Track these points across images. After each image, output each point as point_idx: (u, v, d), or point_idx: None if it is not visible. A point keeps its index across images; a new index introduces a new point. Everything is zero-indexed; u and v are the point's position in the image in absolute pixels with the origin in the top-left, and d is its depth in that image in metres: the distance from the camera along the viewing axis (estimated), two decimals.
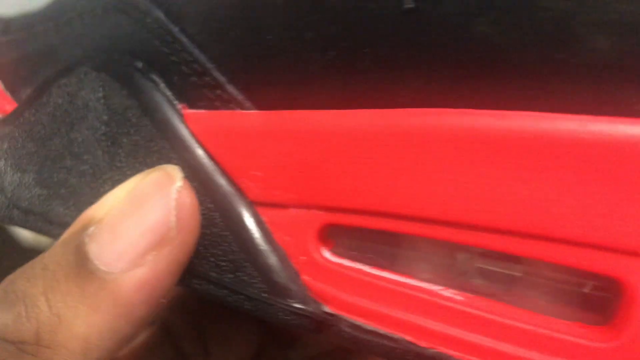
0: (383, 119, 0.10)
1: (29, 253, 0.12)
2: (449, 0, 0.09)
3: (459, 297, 0.10)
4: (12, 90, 0.15)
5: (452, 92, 0.10)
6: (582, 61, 0.09)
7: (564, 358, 0.09)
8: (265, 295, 0.11)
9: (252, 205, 0.11)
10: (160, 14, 0.12)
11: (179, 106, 0.12)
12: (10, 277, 0.11)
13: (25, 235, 0.35)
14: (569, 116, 0.09)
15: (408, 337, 0.10)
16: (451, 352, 0.10)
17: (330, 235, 0.11)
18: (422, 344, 0.10)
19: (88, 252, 0.11)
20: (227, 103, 0.11)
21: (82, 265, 0.11)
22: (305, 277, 0.11)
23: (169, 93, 0.12)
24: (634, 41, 0.08)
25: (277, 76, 0.11)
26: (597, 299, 0.10)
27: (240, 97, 0.11)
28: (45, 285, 0.11)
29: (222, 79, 0.11)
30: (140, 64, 0.12)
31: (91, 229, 0.11)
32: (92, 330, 0.10)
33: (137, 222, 0.11)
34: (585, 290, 0.10)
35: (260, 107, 0.11)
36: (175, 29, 0.12)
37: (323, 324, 0.11)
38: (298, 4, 0.10)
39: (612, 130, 0.08)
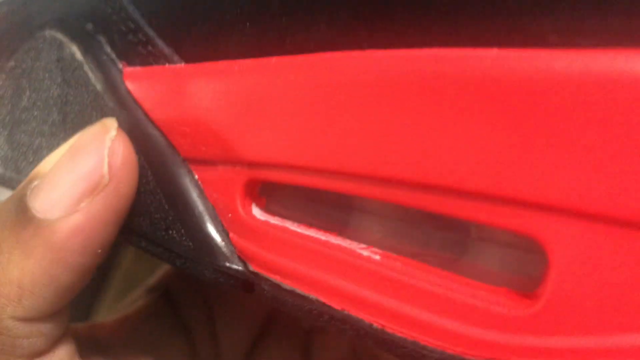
0: (290, 66, 0.09)
1: None
2: None
3: (376, 257, 0.09)
4: None
5: (359, 32, 0.09)
6: None
7: (476, 326, 0.08)
8: (193, 253, 0.11)
9: (185, 162, 0.11)
10: None
11: (120, 65, 0.12)
12: None
13: None
14: (472, 50, 0.08)
15: (322, 298, 0.09)
16: (362, 315, 0.09)
17: (263, 192, 0.11)
18: (335, 305, 0.09)
19: (27, 202, 0.11)
20: (158, 59, 0.11)
21: (20, 213, 0.11)
22: (232, 236, 0.11)
23: (111, 52, 0.12)
24: None
25: (197, 27, 0.11)
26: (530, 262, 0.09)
27: (168, 50, 0.11)
28: None
29: (151, 33, 0.11)
30: (90, 26, 0.12)
31: (35, 182, 0.11)
32: (26, 276, 0.11)
33: (71, 171, 0.11)
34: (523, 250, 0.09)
35: (187, 61, 0.11)
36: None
37: (248, 283, 0.11)
38: None
39: (522, 65, 0.07)
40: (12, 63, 0.14)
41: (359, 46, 0.09)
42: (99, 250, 0.11)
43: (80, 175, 0.11)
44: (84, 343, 0.13)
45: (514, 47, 0.07)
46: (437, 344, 0.08)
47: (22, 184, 0.12)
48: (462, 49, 0.08)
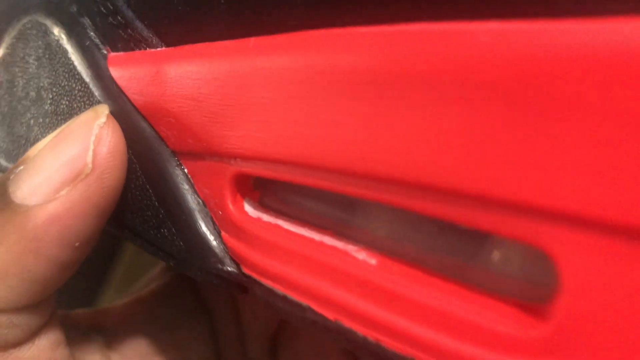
0: (269, 47, 0.08)
1: None
2: None
3: (372, 261, 0.08)
4: None
5: (342, 6, 0.07)
6: None
7: (479, 346, 0.07)
8: (184, 253, 0.10)
9: (174, 155, 0.10)
10: None
11: (104, 50, 0.11)
12: None
13: None
14: (472, 24, 0.06)
15: (314, 307, 0.09)
16: (356, 327, 0.08)
17: (257, 185, 0.10)
18: (328, 315, 0.08)
19: (8, 187, 0.11)
20: (139, 42, 0.10)
21: (1, 199, 0.10)
22: (224, 234, 0.10)
23: (95, 36, 0.11)
24: None
25: (175, 7, 0.09)
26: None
27: (147, 33, 0.10)
28: None
29: (130, 15, 0.10)
30: (74, 7, 0.12)
31: (20, 167, 0.11)
32: (4, 262, 0.10)
33: (54, 156, 0.10)
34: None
35: (167, 44, 0.10)
36: None
37: (242, 286, 0.10)
38: None
39: (529, 42, 0.06)
40: (2, 51, 0.13)
41: (342, 22, 0.07)
42: (77, 244, 0.10)
43: (62, 162, 0.10)
44: (86, 330, 0.13)
45: (519, 19, 0.06)
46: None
47: (7, 171, 0.11)
48: (459, 22, 0.06)
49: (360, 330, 0.08)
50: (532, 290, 0.07)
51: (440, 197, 0.07)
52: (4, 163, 0.14)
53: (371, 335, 0.08)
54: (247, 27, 0.09)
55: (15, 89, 0.13)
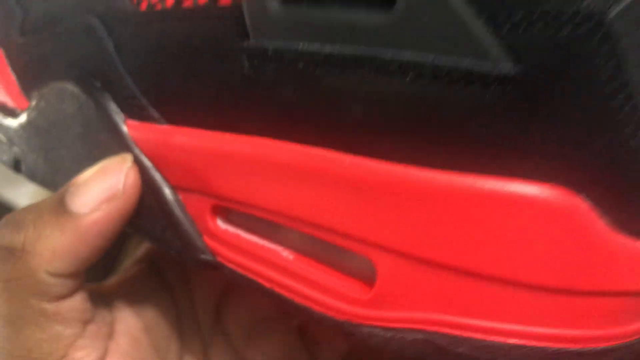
0: (236, 141, 0.15)
1: None
2: (270, 71, 0.14)
3: (290, 257, 0.15)
4: (24, 89, 0.20)
5: (281, 129, 0.14)
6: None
7: (341, 301, 0.14)
8: (181, 248, 0.17)
9: (173, 188, 0.17)
10: (110, 44, 0.17)
11: (123, 117, 0.17)
12: (14, 212, 0.18)
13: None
14: (334, 153, 0.13)
15: (260, 280, 0.16)
16: (281, 292, 0.15)
17: (225, 209, 0.17)
18: (266, 285, 0.16)
19: (66, 200, 0.17)
20: (150, 119, 0.17)
21: (60, 207, 0.17)
22: (205, 238, 0.17)
23: (116, 108, 0.17)
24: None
25: (176, 102, 0.16)
26: None
27: (157, 115, 0.16)
28: (34, 216, 0.17)
29: (145, 102, 0.17)
30: (98, 84, 0.18)
31: (72, 188, 0.17)
32: (59, 246, 0.16)
33: (99, 184, 0.17)
34: None
35: (170, 123, 0.16)
36: (118, 60, 0.17)
37: (217, 269, 0.17)
38: (183, 72, 0.15)
39: (360, 169, 0.13)
40: (42, 103, 0.19)
41: (279, 137, 0.14)
42: (109, 237, 0.17)
43: (104, 188, 0.17)
44: (94, 297, 0.19)
45: (361, 156, 0.13)
46: (321, 310, 0.15)
47: (63, 188, 0.17)
48: (333, 151, 0.13)
49: (283, 293, 0.15)
50: (368, 274, 0.15)
51: (321, 229, 0.14)
52: (41, 185, 0.20)
53: (289, 296, 0.15)
54: (225, 126, 0.15)
55: (51, 131, 0.19)
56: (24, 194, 0.33)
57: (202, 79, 0.15)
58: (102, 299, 0.20)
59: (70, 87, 0.18)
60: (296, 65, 0.13)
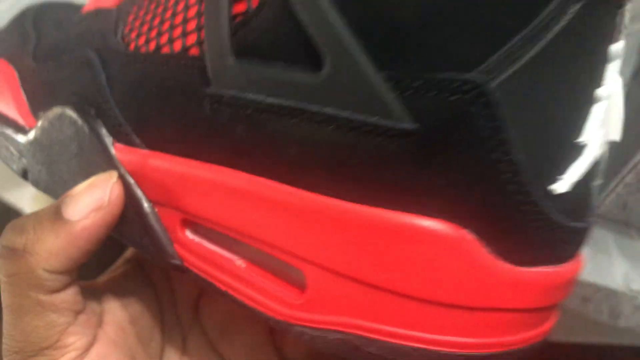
0: (200, 167, 0.18)
1: None
2: (225, 114, 0.17)
3: (243, 265, 0.18)
4: (33, 109, 0.24)
5: (235, 159, 0.17)
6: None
7: (279, 304, 0.17)
8: (155, 253, 0.20)
9: (151, 202, 0.20)
10: (103, 77, 0.21)
11: (112, 140, 0.20)
12: (19, 218, 0.21)
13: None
14: (268, 181, 0.16)
15: (217, 284, 0.19)
16: (234, 293, 0.18)
17: (192, 222, 0.20)
18: (222, 287, 0.19)
19: (61, 209, 0.20)
20: (133, 143, 0.20)
21: (56, 215, 0.20)
22: (175, 246, 0.20)
23: (107, 133, 0.20)
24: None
25: (154, 133, 0.19)
26: None
27: (139, 141, 0.20)
28: (35, 222, 0.20)
29: (129, 130, 0.20)
30: (93, 111, 0.21)
31: (67, 199, 0.20)
32: (54, 247, 0.19)
33: (89, 196, 0.20)
34: None
35: (149, 148, 0.19)
36: (108, 92, 0.20)
37: (184, 272, 0.20)
38: (159, 107, 0.18)
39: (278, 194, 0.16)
40: (46, 124, 0.22)
41: (233, 167, 0.17)
42: (97, 241, 0.20)
43: (93, 199, 0.20)
44: (87, 291, 0.22)
45: (295, 187, 0.16)
46: (265, 311, 0.18)
47: (60, 198, 0.20)
48: (273, 182, 0.16)
49: (234, 294, 0.18)
50: (302, 283, 0.18)
51: (263, 244, 0.17)
52: (44, 192, 0.23)
53: (240, 297, 0.18)
54: (194, 154, 0.18)
55: (52, 148, 0.22)
56: (26, 197, 0.37)
57: (173, 115, 0.18)
58: (93, 293, 0.23)
59: (70, 112, 0.21)
60: (245, 111, 0.16)
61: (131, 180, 0.20)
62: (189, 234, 0.20)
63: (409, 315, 0.16)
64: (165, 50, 0.19)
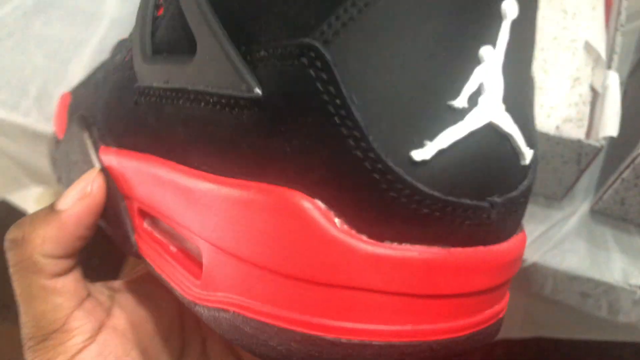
0: (155, 163, 0.19)
1: None
2: (143, 103, 0.19)
3: (173, 249, 0.20)
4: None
5: (151, 144, 0.19)
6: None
7: (189, 283, 0.18)
8: (122, 243, 0.22)
9: (122, 196, 0.22)
10: (100, 93, 0.24)
11: (100, 145, 0.23)
12: (22, 217, 0.23)
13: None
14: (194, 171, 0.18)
15: (156, 268, 0.20)
16: (167, 278, 0.20)
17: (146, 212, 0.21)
18: (157, 271, 0.20)
19: (54, 204, 0.22)
20: (110, 145, 0.22)
21: (50, 209, 0.22)
22: (135, 235, 0.22)
23: (97, 139, 0.23)
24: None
25: (114, 132, 0.22)
26: None
27: (110, 141, 0.22)
28: (32, 217, 0.22)
29: (109, 139, 0.22)
30: (91, 120, 0.24)
31: (61, 196, 0.22)
32: (47, 234, 0.21)
33: (75, 189, 0.22)
34: None
35: (117, 146, 0.22)
36: (98, 103, 0.23)
37: (141, 259, 0.21)
38: (114, 107, 0.21)
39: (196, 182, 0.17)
40: (65, 138, 0.26)
41: (152, 153, 0.19)
42: (85, 227, 0.22)
43: (77, 191, 0.22)
44: (97, 286, 0.24)
45: (188, 167, 0.17)
46: (178, 289, 0.19)
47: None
48: (174, 163, 0.18)
49: (167, 279, 0.19)
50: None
51: (172, 221, 0.18)
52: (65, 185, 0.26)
53: (167, 279, 0.19)
54: (133, 145, 0.20)
55: (69, 157, 0.26)
56: (30, 198, 0.38)
57: (118, 113, 0.21)
58: (104, 288, 0.25)
59: (79, 129, 0.25)
60: (152, 99, 0.18)
61: (110, 177, 0.22)
62: (146, 225, 0.21)
63: (276, 292, 0.15)
64: (128, 58, 0.21)
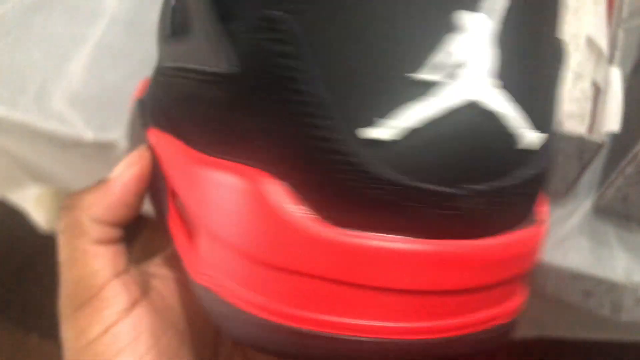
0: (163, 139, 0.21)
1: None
2: (162, 81, 0.21)
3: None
4: None
5: (171, 124, 0.21)
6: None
7: (189, 253, 0.19)
8: (160, 221, 0.23)
9: (164, 175, 0.23)
10: (154, 86, 0.25)
11: (149, 124, 0.25)
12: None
13: (41, 220, 0.47)
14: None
15: (178, 251, 0.22)
16: (180, 256, 0.21)
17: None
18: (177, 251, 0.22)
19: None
20: (154, 127, 0.24)
21: (102, 180, 0.23)
22: (168, 215, 0.22)
23: (149, 121, 0.25)
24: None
25: (154, 114, 0.23)
26: None
27: (154, 125, 0.24)
28: (85, 188, 0.23)
29: (152, 120, 0.24)
30: (140, 111, 0.26)
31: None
32: (96, 199, 0.22)
33: (125, 161, 0.24)
34: None
35: (158, 129, 0.24)
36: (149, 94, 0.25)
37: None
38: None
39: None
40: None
41: (170, 133, 0.21)
42: (132, 193, 0.23)
43: (126, 162, 0.23)
44: (139, 267, 0.24)
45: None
46: (185, 260, 0.19)
47: None
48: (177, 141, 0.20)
49: (177, 251, 0.21)
50: None
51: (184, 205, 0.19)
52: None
53: (179, 252, 0.20)
54: (164, 127, 0.21)
55: (134, 123, 0.27)
56: (29, 197, 0.38)
57: (150, 90, 0.24)
58: (147, 270, 0.25)
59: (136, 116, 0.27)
60: (165, 78, 0.21)
61: (154, 156, 0.24)
62: (176, 205, 0.22)
63: (247, 275, 0.15)
64: None
